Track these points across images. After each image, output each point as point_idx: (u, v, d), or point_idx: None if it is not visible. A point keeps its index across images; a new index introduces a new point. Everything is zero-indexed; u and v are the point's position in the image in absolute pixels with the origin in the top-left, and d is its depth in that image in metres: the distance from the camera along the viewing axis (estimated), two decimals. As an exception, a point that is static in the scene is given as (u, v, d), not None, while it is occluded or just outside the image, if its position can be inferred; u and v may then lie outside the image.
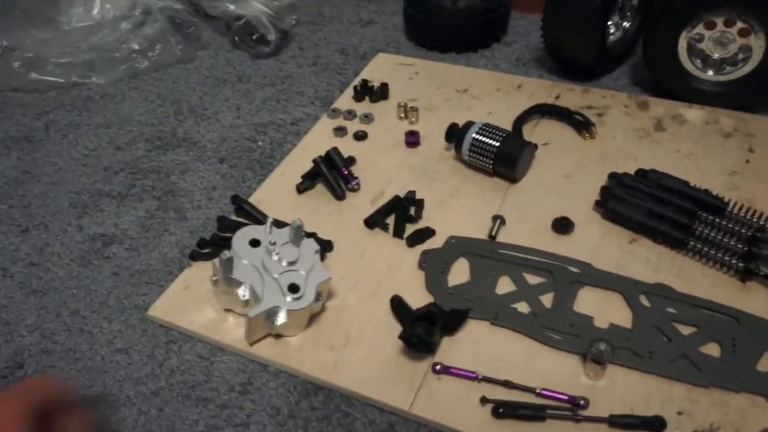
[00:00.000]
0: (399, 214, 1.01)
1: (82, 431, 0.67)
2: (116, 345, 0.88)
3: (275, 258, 0.83)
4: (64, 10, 1.55)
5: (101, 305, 0.94)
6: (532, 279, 0.90)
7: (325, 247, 0.95)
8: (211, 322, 0.87)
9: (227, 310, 0.88)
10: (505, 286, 0.90)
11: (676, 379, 0.77)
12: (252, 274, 0.82)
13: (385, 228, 1.00)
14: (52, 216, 1.11)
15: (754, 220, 0.94)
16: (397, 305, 0.85)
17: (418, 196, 1.04)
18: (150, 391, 0.82)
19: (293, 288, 0.81)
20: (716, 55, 1.20)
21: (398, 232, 0.99)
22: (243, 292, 0.82)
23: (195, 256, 0.96)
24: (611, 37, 1.37)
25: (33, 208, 1.13)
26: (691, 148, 1.13)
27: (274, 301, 0.80)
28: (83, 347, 0.88)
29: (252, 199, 1.07)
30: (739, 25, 1.14)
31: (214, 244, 0.98)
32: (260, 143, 1.25)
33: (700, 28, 1.17)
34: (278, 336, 0.84)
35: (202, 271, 0.94)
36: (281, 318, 0.80)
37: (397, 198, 1.04)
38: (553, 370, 0.79)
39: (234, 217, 1.05)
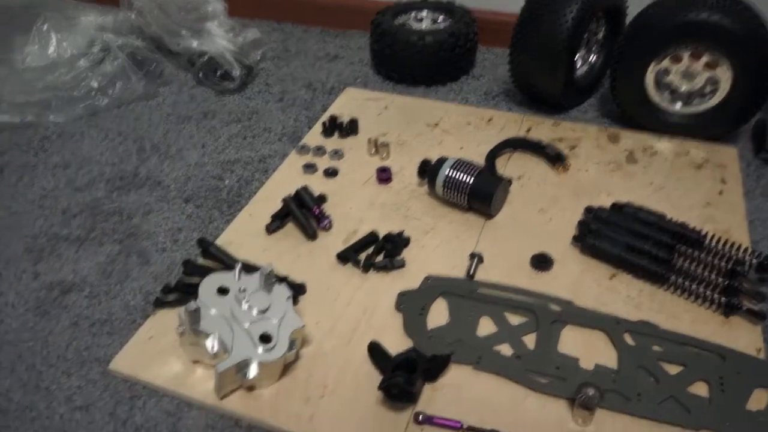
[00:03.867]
0: (377, 247, 0.98)
1: None
2: (76, 402, 0.82)
3: (245, 306, 0.79)
4: (17, 49, 1.50)
5: (59, 359, 0.88)
6: (514, 319, 0.87)
7: (298, 291, 0.91)
8: (177, 376, 0.82)
9: (195, 362, 0.82)
10: (486, 327, 0.87)
11: (666, 422, 0.74)
12: (221, 325, 0.78)
13: (357, 264, 0.97)
14: (5, 263, 1.04)
15: (733, 252, 0.93)
16: (376, 352, 0.81)
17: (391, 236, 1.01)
18: (111, 453, 0.76)
19: (265, 338, 0.76)
20: (683, 88, 1.21)
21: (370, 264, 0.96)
22: (211, 344, 0.78)
23: (160, 304, 0.91)
24: (578, 71, 1.37)
25: (-16, 255, 1.06)
26: (664, 181, 1.13)
27: (245, 352, 0.75)
28: (40, 405, 0.82)
29: (219, 241, 1.03)
30: (706, 58, 1.15)
31: (179, 290, 0.93)
32: (227, 182, 1.21)
33: (666, 62, 1.18)
34: (250, 388, 0.79)
35: (168, 320, 0.89)
36: (253, 370, 0.76)
37: (373, 234, 1.01)
38: (540, 415, 0.76)
39: (201, 261, 1.00)
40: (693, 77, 1.18)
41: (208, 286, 0.82)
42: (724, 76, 1.14)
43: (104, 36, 1.56)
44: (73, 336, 0.91)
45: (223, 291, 0.82)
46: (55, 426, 0.79)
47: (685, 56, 1.17)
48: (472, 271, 0.94)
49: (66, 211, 1.15)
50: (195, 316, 0.76)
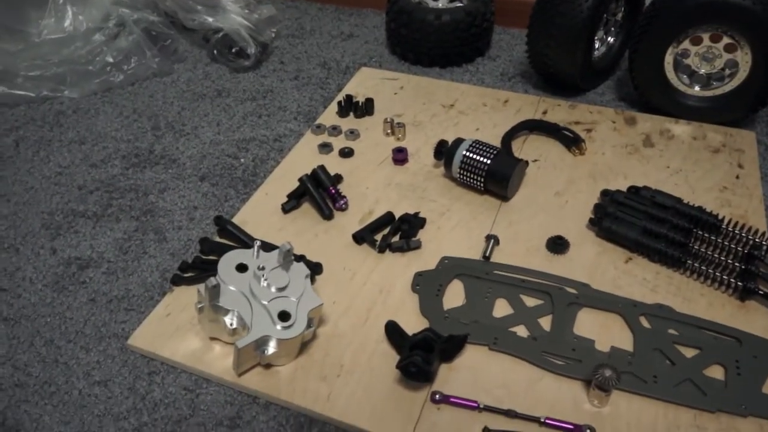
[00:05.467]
0: (393, 228, 0.99)
1: None
2: (94, 377, 0.83)
3: (264, 284, 0.79)
4: (33, 22, 1.49)
5: (77, 334, 0.89)
6: (530, 301, 0.88)
7: (315, 270, 0.92)
8: (195, 352, 0.83)
9: (213, 339, 0.83)
10: (502, 308, 0.87)
11: (682, 404, 0.75)
12: (240, 301, 0.78)
13: (373, 244, 0.97)
14: (23, 238, 1.05)
15: (749, 237, 0.93)
16: (393, 331, 0.82)
17: (408, 216, 1.01)
18: (132, 427, 0.77)
19: (284, 316, 0.77)
20: (702, 70, 1.19)
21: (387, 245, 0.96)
22: (230, 321, 0.78)
23: (177, 281, 0.92)
24: (596, 53, 1.36)
25: (2, 229, 1.07)
26: (681, 164, 1.12)
27: (264, 329, 0.76)
28: (59, 380, 0.83)
29: (235, 220, 1.03)
30: (726, 40, 1.14)
31: (196, 268, 0.94)
32: (242, 160, 1.21)
33: (686, 44, 1.17)
34: (268, 366, 0.80)
35: (185, 297, 0.90)
36: (271, 347, 0.76)
37: (389, 214, 1.01)
38: (555, 396, 0.76)
39: (217, 239, 1.00)
40: (712, 60, 1.17)
41: (227, 263, 0.82)
42: (744, 59, 1.13)
43: (120, 10, 1.55)
44: (91, 312, 0.92)
45: (241, 268, 0.82)
46: (74, 401, 0.80)
47: (706, 38, 1.15)
48: (488, 253, 0.95)
49: (82, 187, 1.16)
50: (215, 292, 0.77)
